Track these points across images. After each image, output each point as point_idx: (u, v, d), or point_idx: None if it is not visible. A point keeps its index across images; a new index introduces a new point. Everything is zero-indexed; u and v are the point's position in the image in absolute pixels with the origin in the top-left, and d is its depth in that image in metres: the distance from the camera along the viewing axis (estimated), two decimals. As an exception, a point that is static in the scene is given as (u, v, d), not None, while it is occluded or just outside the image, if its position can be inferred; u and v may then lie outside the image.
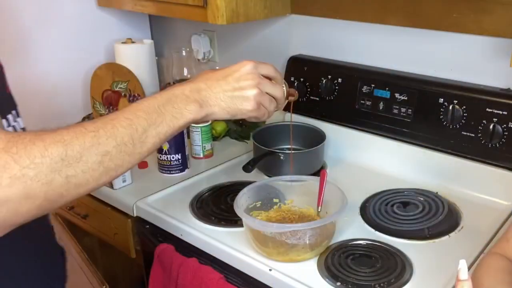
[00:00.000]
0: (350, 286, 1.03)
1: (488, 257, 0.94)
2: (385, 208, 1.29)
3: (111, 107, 1.78)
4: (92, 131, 0.74)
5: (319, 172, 1.43)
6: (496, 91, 1.29)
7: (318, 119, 1.60)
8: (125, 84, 1.82)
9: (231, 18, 1.46)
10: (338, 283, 1.04)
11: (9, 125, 0.90)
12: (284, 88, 1.01)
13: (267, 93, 0.95)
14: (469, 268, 1.04)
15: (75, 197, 0.75)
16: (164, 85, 2.01)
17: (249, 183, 1.28)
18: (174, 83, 1.86)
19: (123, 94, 1.83)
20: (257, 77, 0.93)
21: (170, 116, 0.84)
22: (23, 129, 0.96)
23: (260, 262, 1.12)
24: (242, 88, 0.91)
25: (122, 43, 1.90)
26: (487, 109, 1.27)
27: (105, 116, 0.80)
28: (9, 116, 0.91)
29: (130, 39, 1.90)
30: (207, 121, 1.54)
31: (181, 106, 0.86)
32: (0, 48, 1.43)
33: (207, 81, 0.90)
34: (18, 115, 0.95)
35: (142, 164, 1.57)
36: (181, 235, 1.28)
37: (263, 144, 1.47)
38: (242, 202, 1.20)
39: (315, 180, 1.25)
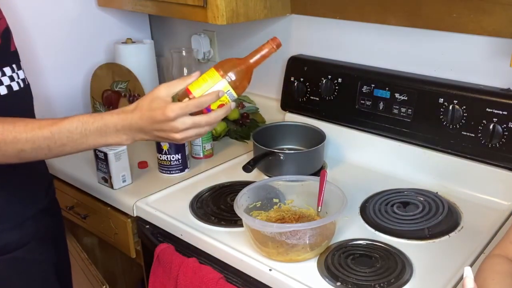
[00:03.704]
0: (350, 286, 1.03)
1: (491, 260, 0.91)
2: (385, 208, 1.29)
3: (111, 107, 1.78)
4: (18, 132, 0.95)
5: (319, 172, 1.44)
6: (496, 91, 1.29)
7: (318, 119, 1.60)
8: (125, 84, 1.82)
9: (231, 18, 1.46)
10: (338, 283, 1.04)
11: (3, 75, 1.08)
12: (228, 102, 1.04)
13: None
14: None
15: None
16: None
17: (249, 183, 1.28)
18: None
19: (123, 94, 1.83)
20: (180, 130, 0.99)
21: (93, 140, 0.99)
22: (23, 80, 1.15)
23: (260, 262, 1.12)
24: (166, 138, 1.01)
25: (122, 43, 1.90)
26: (487, 109, 1.27)
27: (39, 123, 0.97)
28: (6, 68, 1.09)
29: (130, 39, 1.90)
30: None
31: (108, 136, 0.99)
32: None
33: (139, 120, 0.99)
34: (19, 68, 1.14)
35: (142, 164, 1.57)
36: (181, 235, 1.28)
37: (263, 144, 1.47)
38: (242, 202, 1.20)
39: (315, 180, 1.25)
